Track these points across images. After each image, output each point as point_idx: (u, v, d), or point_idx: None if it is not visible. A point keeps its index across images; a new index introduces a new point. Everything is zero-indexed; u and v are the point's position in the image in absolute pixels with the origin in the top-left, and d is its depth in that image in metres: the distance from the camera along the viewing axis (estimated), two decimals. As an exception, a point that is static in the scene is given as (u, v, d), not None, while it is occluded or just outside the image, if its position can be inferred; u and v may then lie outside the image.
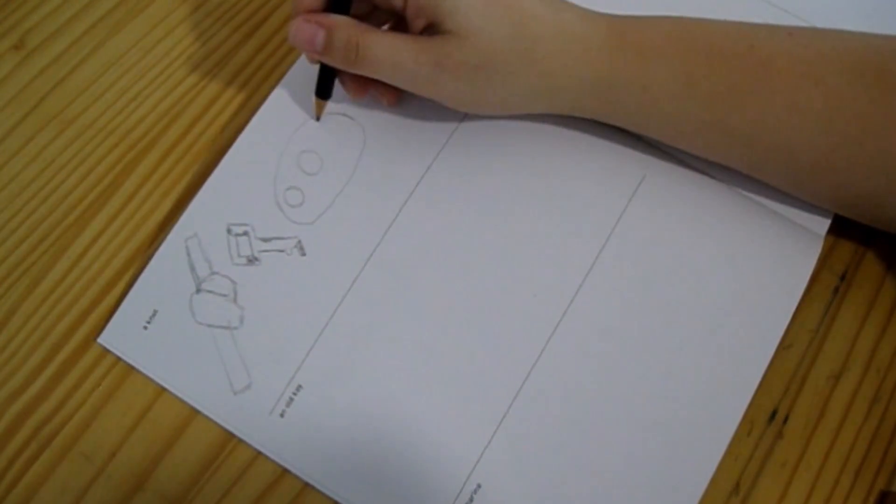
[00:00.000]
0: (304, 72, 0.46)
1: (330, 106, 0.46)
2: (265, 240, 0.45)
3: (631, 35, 0.42)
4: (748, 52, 0.42)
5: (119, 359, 0.43)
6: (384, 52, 0.41)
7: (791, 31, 0.42)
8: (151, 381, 0.43)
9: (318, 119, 0.46)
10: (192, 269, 0.44)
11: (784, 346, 0.44)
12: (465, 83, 0.42)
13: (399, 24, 0.44)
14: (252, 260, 0.44)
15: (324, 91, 0.45)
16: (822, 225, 0.46)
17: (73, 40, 0.50)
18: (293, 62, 0.48)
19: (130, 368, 0.43)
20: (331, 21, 0.42)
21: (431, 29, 0.41)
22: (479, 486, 0.41)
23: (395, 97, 0.46)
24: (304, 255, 0.45)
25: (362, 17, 0.44)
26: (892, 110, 0.40)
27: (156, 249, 0.45)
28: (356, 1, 0.43)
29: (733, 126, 0.42)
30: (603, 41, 0.42)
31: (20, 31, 0.50)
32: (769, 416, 0.43)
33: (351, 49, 0.41)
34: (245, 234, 0.45)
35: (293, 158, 0.46)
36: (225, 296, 0.44)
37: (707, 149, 0.45)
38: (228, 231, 0.45)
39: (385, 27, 0.46)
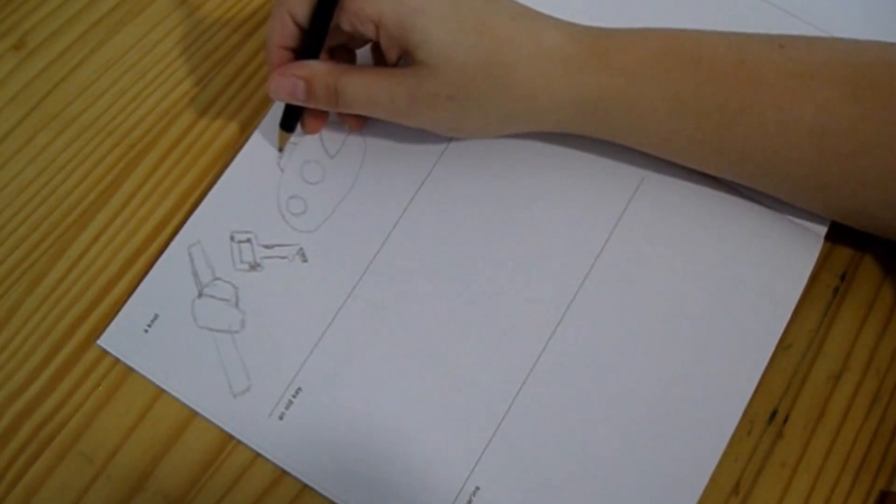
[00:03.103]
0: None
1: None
2: (268, 247, 0.45)
3: (615, 52, 0.41)
4: (738, 68, 0.41)
5: (119, 360, 0.43)
6: (361, 90, 0.41)
7: (782, 43, 0.41)
8: (151, 381, 0.43)
9: (280, 150, 0.47)
10: (195, 274, 0.44)
11: (784, 346, 0.44)
12: (441, 112, 0.41)
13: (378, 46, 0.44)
14: (254, 266, 0.45)
15: (290, 125, 0.46)
16: (822, 225, 0.46)
17: (73, 40, 0.50)
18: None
19: (130, 369, 0.43)
20: (307, 71, 0.42)
21: (405, 59, 0.41)
22: (477, 488, 0.41)
23: (360, 124, 0.47)
24: (305, 261, 0.45)
25: (340, 47, 0.45)
26: (884, 125, 0.39)
27: (156, 250, 0.45)
28: (333, 31, 0.42)
29: (724, 143, 0.42)
30: (586, 60, 0.41)
31: (20, 31, 0.50)
32: (769, 416, 0.43)
33: (331, 94, 0.42)
34: (248, 241, 0.45)
35: (296, 168, 0.47)
36: (227, 300, 0.44)
37: (698, 164, 0.44)
38: (232, 238, 0.45)
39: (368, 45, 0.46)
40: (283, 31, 0.43)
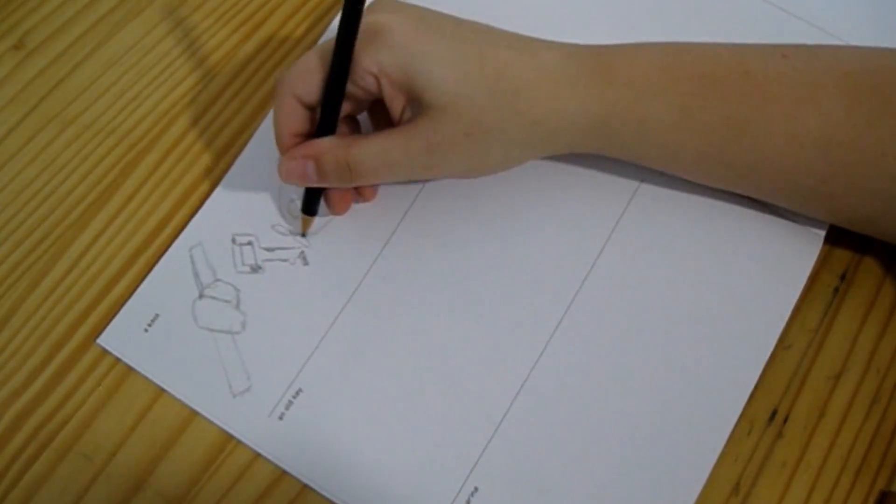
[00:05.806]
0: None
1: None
2: (269, 249, 0.45)
3: (620, 68, 0.41)
4: (743, 79, 0.40)
5: (119, 359, 0.43)
6: (375, 158, 0.40)
7: (785, 53, 0.41)
8: (151, 381, 0.43)
9: (303, 235, 0.46)
10: (196, 276, 0.45)
11: (784, 346, 0.44)
12: (461, 153, 0.40)
13: (377, 104, 0.44)
14: (255, 268, 0.45)
15: (311, 208, 0.44)
16: (822, 225, 0.46)
17: (73, 40, 0.50)
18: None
19: (130, 369, 0.43)
20: (314, 149, 0.41)
21: (412, 107, 0.40)
22: (476, 489, 0.41)
23: (374, 192, 0.46)
24: (306, 264, 0.45)
25: (342, 119, 0.43)
26: (888, 133, 0.39)
27: (156, 250, 0.45)
28: None
29: (731, 156, 0.41)
30: (590, 78, 0.40)
31: (20, 31, 0.50)
32: (769, 416, 0.43)
33: (343, 168, 0.41)
34: (249, 243, 0.45)
35: None
36: (228, 302, 0.44)
37: (706, 178, 0.44)
38: (233, 241, 0.45)
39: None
40: (293, 117, 0.42)
